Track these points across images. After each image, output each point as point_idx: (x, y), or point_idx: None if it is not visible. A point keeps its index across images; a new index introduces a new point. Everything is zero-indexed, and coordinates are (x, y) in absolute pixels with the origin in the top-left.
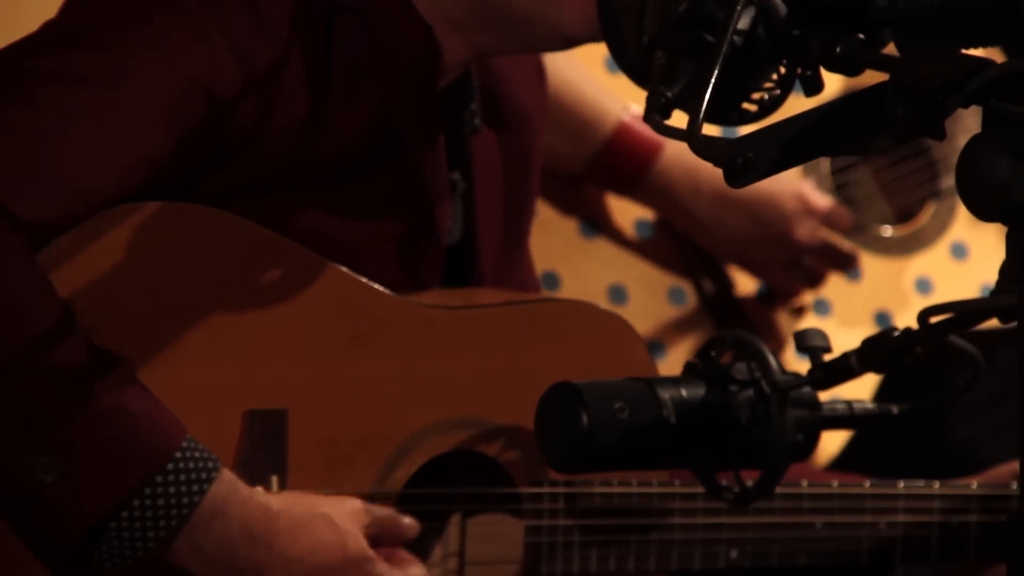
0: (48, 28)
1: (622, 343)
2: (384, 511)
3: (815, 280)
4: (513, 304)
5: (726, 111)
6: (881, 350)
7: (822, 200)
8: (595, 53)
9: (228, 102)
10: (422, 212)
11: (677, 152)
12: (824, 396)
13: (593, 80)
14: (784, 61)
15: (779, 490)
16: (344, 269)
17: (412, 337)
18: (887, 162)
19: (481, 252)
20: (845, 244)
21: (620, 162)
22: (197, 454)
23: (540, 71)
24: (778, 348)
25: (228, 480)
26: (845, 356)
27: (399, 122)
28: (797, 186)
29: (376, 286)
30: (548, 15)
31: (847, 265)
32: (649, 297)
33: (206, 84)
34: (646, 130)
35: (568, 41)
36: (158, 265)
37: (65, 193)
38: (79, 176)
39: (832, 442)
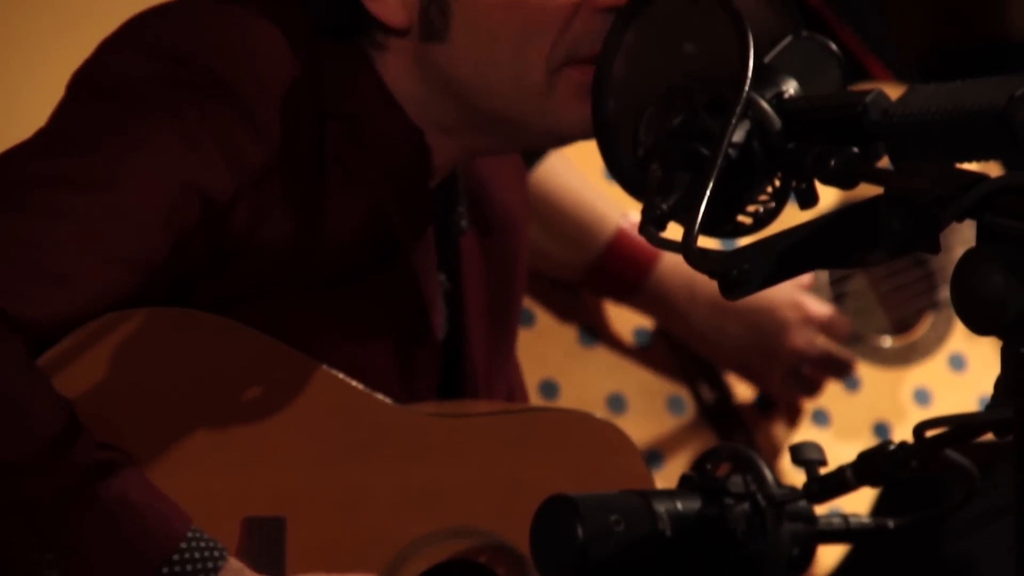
0: (40, 135)
1: (618, 452)
2: None
3: (813, 388)
4: (510, 413)
5: (721, 223)
6: (877, 464)
7: (820, 308)
8: (593, 161)
9: (222, 206)
10: (416, 313)
11: (675, 260)
12: (821, 509)
13: (591, 187)
14: (779, 174)
15: None
16: (341, 376)
17: (409, 445)
18: (884, 273)
19: (471, 353)
20: (844, 352)
21: (618, 270)
22: (203, 543)
23: (521, 173)
24: (775, 459)
25: (235, 568)
26: (841, 470)
27: (392, 224)
28: (795, 295)
29: (374, 394)
30: (543, 118)
31: (845, 371)
32: (648, 406)
33: (199, 188)
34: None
35: (563, 140)
36: (155, 370)
37: (60, 294)
38: (74, 277)
39: (829, 556)
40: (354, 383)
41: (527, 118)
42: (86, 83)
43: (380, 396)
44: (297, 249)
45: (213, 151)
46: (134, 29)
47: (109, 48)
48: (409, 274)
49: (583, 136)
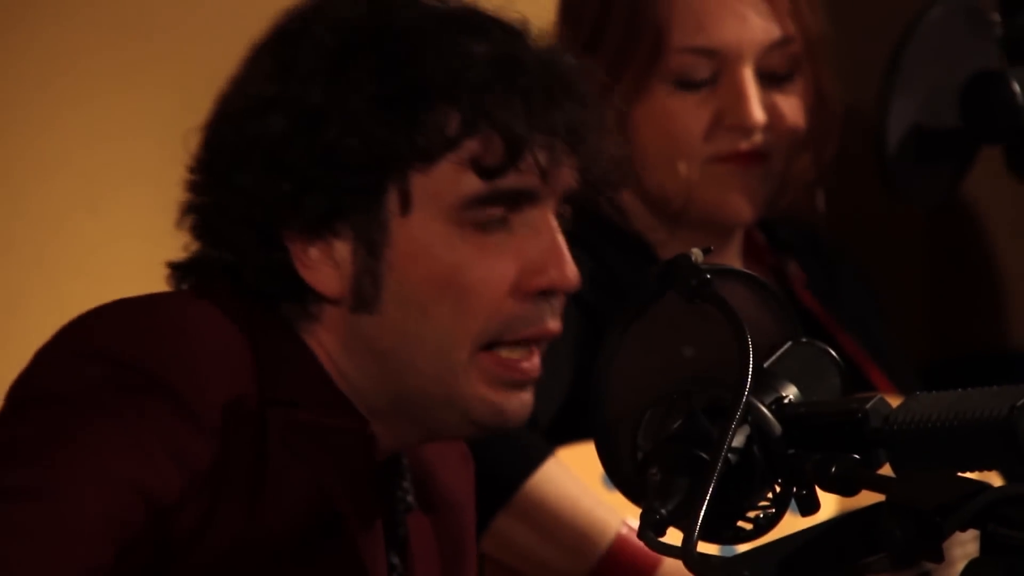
0: None
1: None
2: None
3: None
4: None
5: (721, 529)
6: None
7: None
8: (591, 467)
9: (168, 507)
10: None
11: (675, 566)
12: None
13: (590, 493)
14: (779, 480)
15: None
16: None
17: None
18: None
19: None
20: None
21: None
22: None
23: (466, 458)
24: None
25: None
26: None
27: (337, 507)
28: None
29: None
30: (457, 401)
31: None
32: None
33: (144, 490)
34: None
35: (478, 427)
36: None
37: None
38: None
39: None
40: None
41: (445, 399)
42: (25, 392)
43: None
44: (243, 536)
45: (158, 452)
46: (70, 335)
47: (47, 355)
48: (355, 557)
49: (495, 426)
